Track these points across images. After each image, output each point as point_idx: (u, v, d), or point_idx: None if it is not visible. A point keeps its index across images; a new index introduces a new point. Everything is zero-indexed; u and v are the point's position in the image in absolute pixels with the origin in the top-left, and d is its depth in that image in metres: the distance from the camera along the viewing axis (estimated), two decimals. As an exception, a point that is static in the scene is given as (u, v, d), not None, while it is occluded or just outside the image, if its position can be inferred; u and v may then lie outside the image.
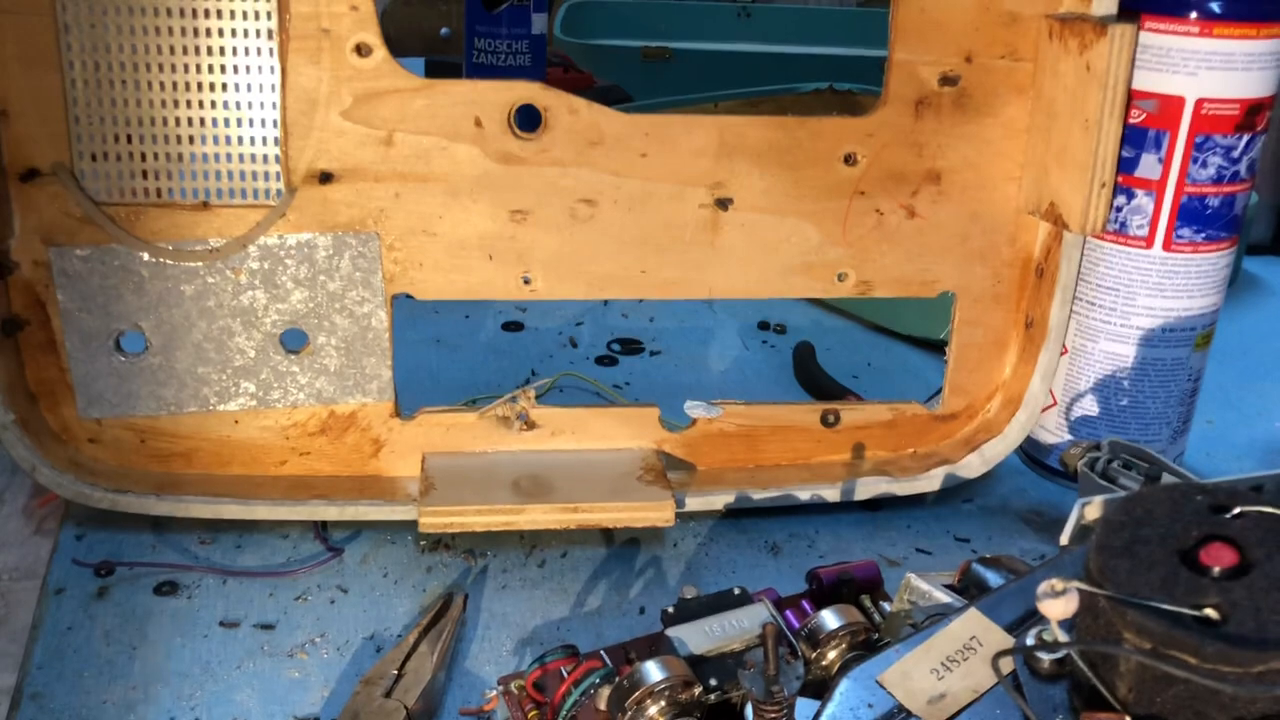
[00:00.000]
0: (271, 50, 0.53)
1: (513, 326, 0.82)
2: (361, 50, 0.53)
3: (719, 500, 0.59)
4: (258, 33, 0.52)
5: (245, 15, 0.52)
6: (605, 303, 0.86)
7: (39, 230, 0.54)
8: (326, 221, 0.55)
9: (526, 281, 0.58)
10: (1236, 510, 0.32)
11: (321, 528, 0.58)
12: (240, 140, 0.54)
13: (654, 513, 0.56)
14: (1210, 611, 0.29)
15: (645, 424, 0.61)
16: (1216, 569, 0.30)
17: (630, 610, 0.54)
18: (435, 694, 0.47)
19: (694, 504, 0.59)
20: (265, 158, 0.54)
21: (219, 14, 0.52)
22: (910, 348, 0.82)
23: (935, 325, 0.79)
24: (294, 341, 0.57)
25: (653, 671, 0.38)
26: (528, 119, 0.56)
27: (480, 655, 0.50)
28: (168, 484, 0.57)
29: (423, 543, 0.57)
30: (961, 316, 0.61)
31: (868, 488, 0.60)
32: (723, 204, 0.57)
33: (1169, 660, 0.29)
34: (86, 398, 0.56)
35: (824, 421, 0.62)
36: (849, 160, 0.58)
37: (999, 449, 0.61)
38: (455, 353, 0.78)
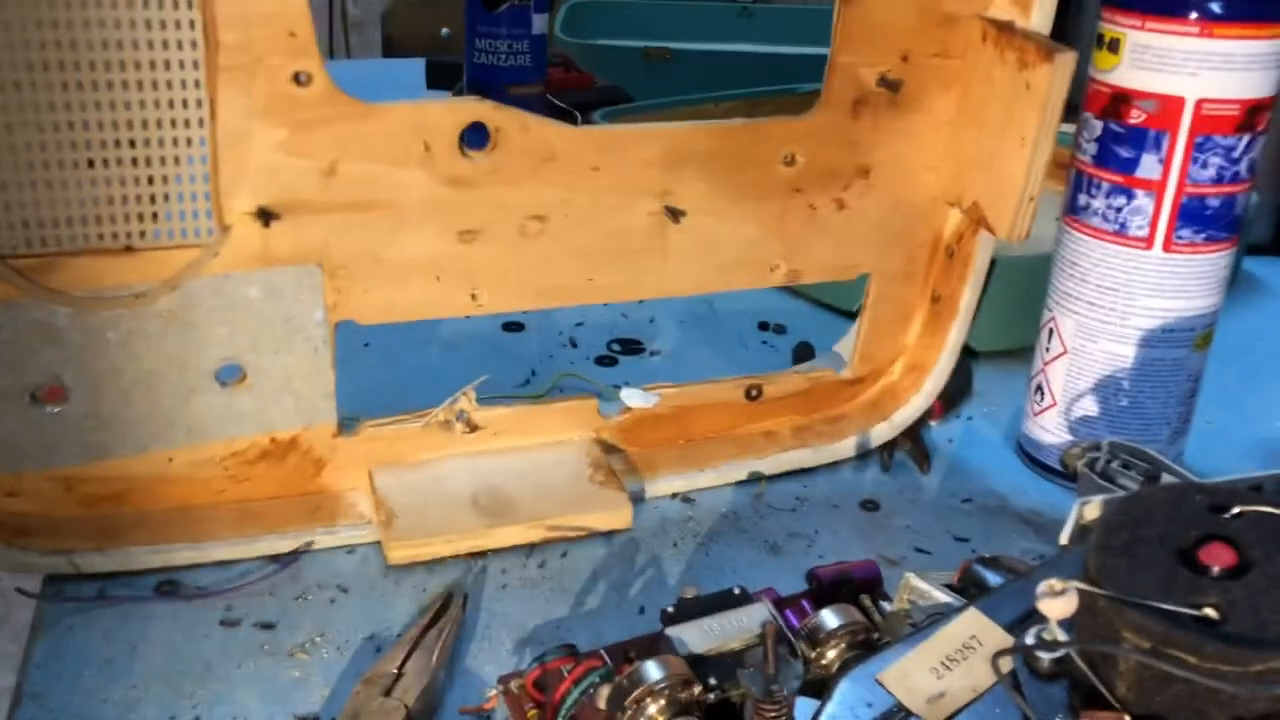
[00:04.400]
0: (198, 82, 0.48)
1: (513, 327, 0.82)
2: (300, 79, 0.50)
3: (665, 487, 0.62)
4: (180, 64, 0.48)
5: (166, 45, 0.47)
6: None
7: None
8: (263, 257, 0.52)
9: (474, 297, 0.57)
10: (1236, 510, 0.32)
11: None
12: (165, 179, 0.49)
13: (613, 516, 0.58)
14: (1209, 611, 0.29)
15: (583, 415, 0.62)
16: (1215, 569, 0.31)
17: (630, 610, 0.54)
18: (435, 693, 0.47)
19: (646, 492, 0.61)
20: (194, 196, 0.50)
21: (134, 45, 0.47)
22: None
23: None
24: (230, 375, 0.54)
25: (652, 670, 0.38)
26: (475, 136, 0.53)
27: (480, 655, 0.50)
28: (107, 532, 0.53)
29: (423, 542, 0.57)
30: (876, 294, 0.64)
31: (788, 460, 0.64)
32: (674, 214, 0.58)
33: (1168, 660, 0.29)
34: (3, 454, 0.51)
35: (748, 395, 0.65)
36: (788, 161, 0.59)
37: (906, 415, 0.66)
38: (455, 353, 0.78)
